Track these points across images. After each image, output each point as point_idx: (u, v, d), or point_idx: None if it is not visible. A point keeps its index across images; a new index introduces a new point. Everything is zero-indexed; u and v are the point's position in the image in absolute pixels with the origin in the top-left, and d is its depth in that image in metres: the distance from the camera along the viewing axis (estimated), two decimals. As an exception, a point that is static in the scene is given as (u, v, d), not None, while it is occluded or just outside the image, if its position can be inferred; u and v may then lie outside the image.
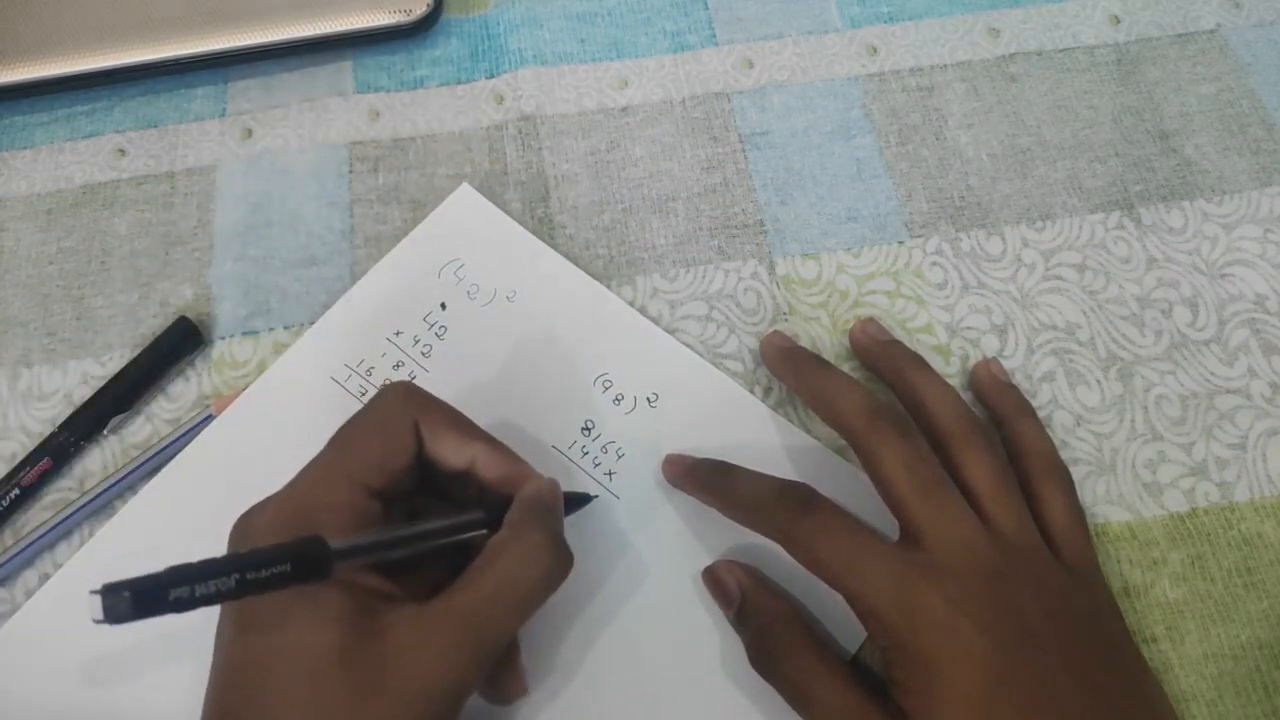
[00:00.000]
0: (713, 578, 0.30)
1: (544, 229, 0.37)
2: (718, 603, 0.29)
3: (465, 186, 0.37)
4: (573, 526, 0.31)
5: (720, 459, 0.30)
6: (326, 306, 0.35)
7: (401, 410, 0.26)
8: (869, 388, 0.29)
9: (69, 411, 0.33)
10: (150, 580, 0.19)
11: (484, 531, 0.26)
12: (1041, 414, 0.32)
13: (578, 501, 0.30)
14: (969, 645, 0.24)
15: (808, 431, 0.32)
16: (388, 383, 0.33)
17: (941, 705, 0.24)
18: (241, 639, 0.23)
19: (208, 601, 0.19)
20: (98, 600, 0.18)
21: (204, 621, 0.23)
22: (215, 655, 0.23)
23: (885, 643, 0.25)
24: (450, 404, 0.27)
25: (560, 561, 0.25)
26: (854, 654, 0.29)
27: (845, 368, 0.34)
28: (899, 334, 0.34)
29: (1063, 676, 0.24)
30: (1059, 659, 0.24)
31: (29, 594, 0.30)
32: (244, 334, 0.35)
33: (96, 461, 0.33)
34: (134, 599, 0.18)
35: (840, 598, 0.25)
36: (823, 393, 0.30)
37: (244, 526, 0.24)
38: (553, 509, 0.26)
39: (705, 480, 0.30)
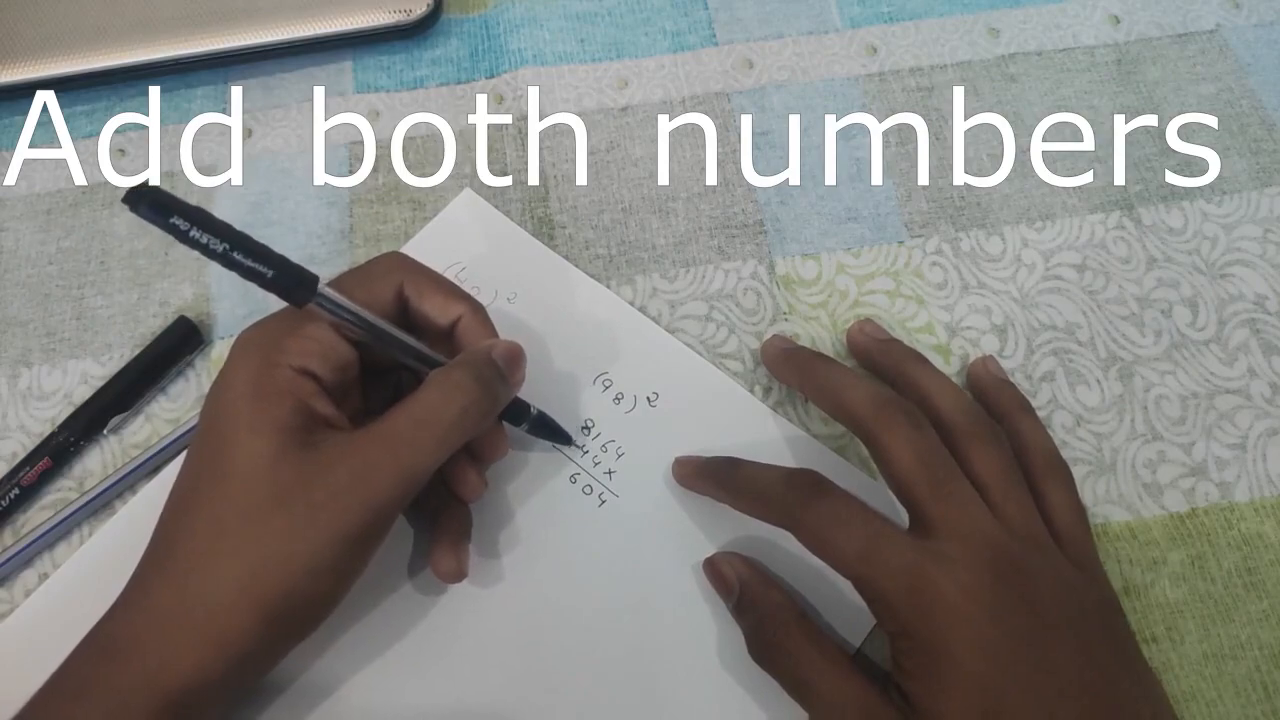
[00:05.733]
0: (713, 568, 0.30)
1: (544, 229, 0.37)
2: (718, 593, 0.30)
3: (468, 191, 0.37)
4: (575, 524, 0.31)
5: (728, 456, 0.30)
6: (326, 306, 0.35)
7: (388, 270, 0.29)
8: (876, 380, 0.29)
9: (69, 411, 0.33)
10: (176, 200, 0.22)
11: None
12: (1041, 414, 0.32)
13: (554, 434, 0.31)
14: (979, 634, 0.24)
15: (807, 431, 0.32)
16: None
17: (950, 693, 0.24)
18: (191, 457, 0.25)
19: (205, 223, 0.22)
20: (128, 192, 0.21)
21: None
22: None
23: (894, 630, 0.25)
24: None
25: (478, 402, 0.26)
26: (858, 647, 0.29)
27: (845, 367, 0.34)
28: (899, 334, 0.34)
29: (1071, 667, 0.24)
30: (1067, 650, 0.24)
31: (29, 594, 0.30)
32: (244, 334, 0.35)
33: (96, 461, 0.33)
34: (152, 197, 0.21)
35: (844, 591, 0.25)
36: (829, 386, 0.30)
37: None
38: (492, 362, 0.27)
39: (714, 476, 0.30)
